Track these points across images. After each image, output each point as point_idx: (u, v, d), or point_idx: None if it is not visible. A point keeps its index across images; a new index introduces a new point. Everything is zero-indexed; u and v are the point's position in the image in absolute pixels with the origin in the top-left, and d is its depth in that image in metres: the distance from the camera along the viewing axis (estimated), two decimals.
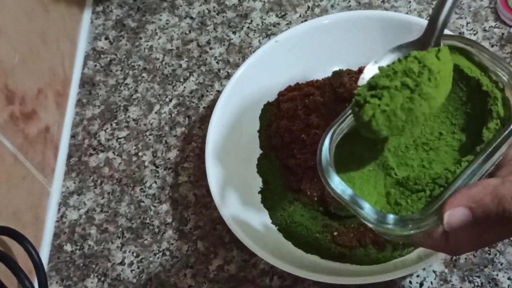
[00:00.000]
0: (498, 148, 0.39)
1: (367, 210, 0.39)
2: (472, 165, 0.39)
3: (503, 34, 0.70)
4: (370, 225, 0.40)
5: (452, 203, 0.37)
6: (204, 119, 0.71)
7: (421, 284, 0.58)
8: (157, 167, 0.69)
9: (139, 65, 0.76)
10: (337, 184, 0.40)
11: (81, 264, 0.65)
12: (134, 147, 0.71)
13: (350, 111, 0.43)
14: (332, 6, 0.76)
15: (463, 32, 0.70)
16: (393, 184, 0.43)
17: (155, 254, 0.64)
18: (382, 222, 0.39)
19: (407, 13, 0.73)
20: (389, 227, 0.39)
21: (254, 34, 0.76)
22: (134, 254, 0.65)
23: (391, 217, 0.39)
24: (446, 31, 0.57)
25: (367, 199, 0.41)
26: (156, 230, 0.66)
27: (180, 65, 0.75)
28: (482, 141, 0.40)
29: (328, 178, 0.41)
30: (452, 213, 0.37)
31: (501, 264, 0.58)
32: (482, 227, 0.38)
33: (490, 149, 0.39)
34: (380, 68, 0.40)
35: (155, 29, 0.79)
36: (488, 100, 0.41)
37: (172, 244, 0.64)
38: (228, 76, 0.73)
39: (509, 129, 0.39)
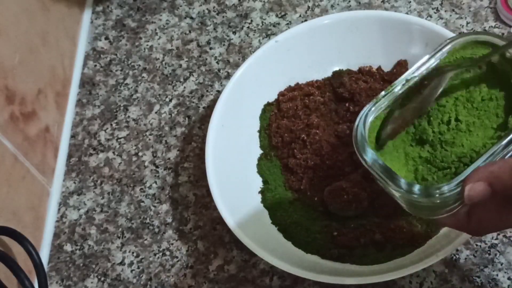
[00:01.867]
0: None
1: (397, 180, 0.42)
2: (495, 146, 0.42)
3: (503, 34, 0.70)
4: (398, 195, 0.43)
5: (473, 177, 0.40)
6: (204, 119, 0.71)
7: (421, 284, 0.58)
8: (157, 167, 0.69)
9: (139, 65, 0.76)
10: (371, 156, 0.44)
11: (81, 264, 0.65)
12: (134, 147, 0.71)
13: (389, 91, 0.46)
14: (332, 6, 0.76)
15: (463, 32, 0.70)
16: (422, 161, 0.46)
17: (155, 254, 0.64)
18: (409, 192, 0.42)
19: (407, 13, 0.73)
20: (415, 196, 0.42)
21: (254, 34, 0.76)
22: (134, 254, 0.65)
23: (417, 186, 0.42)
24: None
25: (395, 170, 0.44)
26: (156, 230, 0.66)
27: (180, 65, 0.76)
28: (507, 128, 0.43)
29: (362, 151, 0.44)
30: (473, 187, 0.39)
31: (501, 264, 0.58)
32: (502, 208, 0.41)
33: (508, 139, 0.42)
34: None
35: (155, 29, 0.79)
36: None
37: (172, 244, 0.64)
38: (228, 76, 0.73)
39: None
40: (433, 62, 0.47)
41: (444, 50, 0.47)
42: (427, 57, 0.47)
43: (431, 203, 0.42)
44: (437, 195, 0.41)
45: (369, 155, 0.44)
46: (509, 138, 0.42)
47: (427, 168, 0.45)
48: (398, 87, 0.47)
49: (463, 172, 0.41)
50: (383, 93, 0.47)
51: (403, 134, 0.47)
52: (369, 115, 0.46)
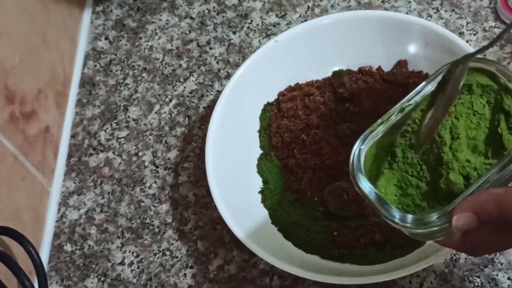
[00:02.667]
0: (507, 165, 0.42)
1: (391, 210, 0.44)
2: (483, 177, 0.42)
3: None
4: (390, 223, 0.44)
5: (460, 208, 0.41)
6: (204, 119, 0.71)
7: (421, 284, 0.58)
8: (157, 167, 0.69)
9: (139, 65, 0.76)
10: (365, 185, 0.45)
11: (81, 264, 0.65)
12: (134, 147, 0.71)
13: (384, 119, 0.47)
14: (332, 6, 0.76)
15: (463, 32, 0.70)
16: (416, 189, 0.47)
17: (155, 254, 0.64)
18: (403, 221, 0.43)
19: (407, 13, 0.73)
20: (407, 225, 0.43)
21: (254, 34, 0.76)
22: (134, 254, 0.65)
23: (409, 217, 0.43)
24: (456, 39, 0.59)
25: (389, 198, 0.45)
26: (156, 230, 0.66)
27: (180, 65, 0.76)
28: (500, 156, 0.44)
29: (358, 180, 0.45)
30: (460, 217, 0.40)
31: (501, 264, 0.58)
32: (494, 233, 0.42)
33: (500, 165, 0.42)
34: None
35: (155, 29, 0.79)
36: (509, 118, 0.45)
37: (172, 244, 0.64)
38: (228, 76, 0.73)
39: None
40: (429, 89, 0.48)
41: (439, 77, 0.47)
42: (423, 83, 0.48)
43: (421, 230, 0.43)
44: (428, 225, 0.42)
45: (364, 184, 0.45)
46: (496, 168, 0.42)
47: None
48: (393, 116, 0.47)
49: (452, 202, 0.42)
50: (379, 121, 0.47)
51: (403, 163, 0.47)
52: (365, 144, 0.47)
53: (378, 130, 0.47)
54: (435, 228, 0.42)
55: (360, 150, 0.46)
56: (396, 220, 0.43)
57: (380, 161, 0.47)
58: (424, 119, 0.46)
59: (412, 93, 0.48)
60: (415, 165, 0.46)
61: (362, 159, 0.46)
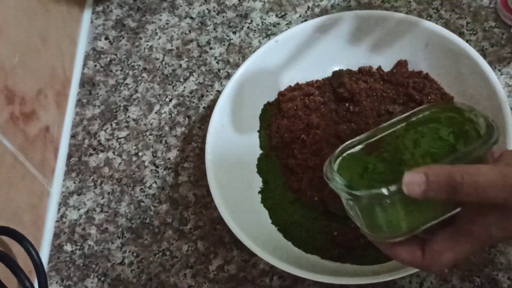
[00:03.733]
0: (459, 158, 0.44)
1: (338, 179, 0.46)
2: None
3: (503, 34, 0.70)
4: (339, 193, 0.46)
5: (413, 170, 0.42)
6: (204, 119, 0.71)
7: (421, 284, 0.58)
8: (157, 167, 0.69)
9: (139, 65, 0.76)
10: (333, 175, 0.47)
11: (81, 264, 0.65)
12: (134, 147, 0.71)
13: (363, 138, 0.50)
14: (332, 6, 0.76)
15: (463, 32, 0.70)
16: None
17: (155, 254, 0.64)
18: (351, 188, 0.45)
19: (407, 13, 0.73)
20: (357, 193, 0.45)
21: (254, 34, 0.76)
22: (134, 254, 0.65)
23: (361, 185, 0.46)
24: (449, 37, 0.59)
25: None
26: (156, 230, 0.66)
27: (180, 65, 0.76)
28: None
29: (328, 171, 0.48)
30: (410, 176, 0.42)
31: (501, 264, 0.58)
32: (455, 241, 0.43)
33: (452, 158, 0.45)
34: None
35: (155, 29, 0.79)
36: (467, 142, 0.47)
37: (172, 244, 0.64)
38: (228, 76, 0.73)
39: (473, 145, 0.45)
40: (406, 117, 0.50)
41: (422, 113, 0.50)
42: (404, 115, 0.50)
43: (381, 208, 0.44)
44: (380, 198, 0.44)
45: (331, 173, 0.47)
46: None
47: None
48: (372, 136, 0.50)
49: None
50: (358, 138, 0.50)
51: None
52: (342, 153, 0.49)
53: (357, 145, 0.49)
54: (387, 201, 0.43)
55: (336, 157, 0.48)
56: (344, 187, 0.45)
57: (352, 172, 0.49)
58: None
59: (393, 120, 0.50)
60: (381, 173, 0.48)
61: (336, 165, 0.48)
